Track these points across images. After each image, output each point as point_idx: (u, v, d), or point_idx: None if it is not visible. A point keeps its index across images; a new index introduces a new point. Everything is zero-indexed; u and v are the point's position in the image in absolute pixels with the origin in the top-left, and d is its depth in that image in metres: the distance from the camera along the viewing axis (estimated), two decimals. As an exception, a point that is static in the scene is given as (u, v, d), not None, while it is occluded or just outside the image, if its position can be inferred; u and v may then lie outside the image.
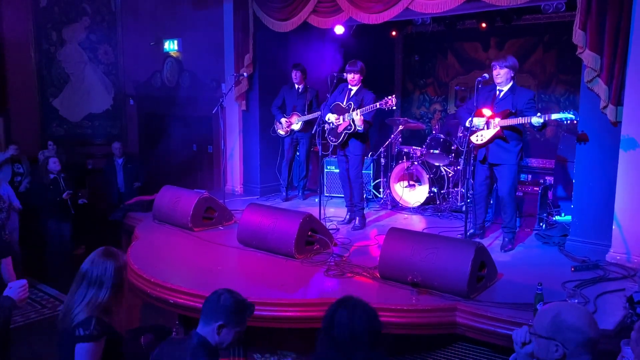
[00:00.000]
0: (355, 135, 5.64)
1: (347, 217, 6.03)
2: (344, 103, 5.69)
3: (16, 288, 2.78)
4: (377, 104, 5.41)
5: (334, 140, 5.79)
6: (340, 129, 5.68)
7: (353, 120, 5.53)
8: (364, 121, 5.50)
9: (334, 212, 6.31)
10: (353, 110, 5.55)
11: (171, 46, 8.82)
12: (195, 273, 4.54)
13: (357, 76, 5.63)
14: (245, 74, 7.14)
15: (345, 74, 5.68)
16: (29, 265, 6.52)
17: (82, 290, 2.48)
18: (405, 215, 6.45)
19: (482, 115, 4.95)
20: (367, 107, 5.47)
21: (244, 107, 7.54)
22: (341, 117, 5.67)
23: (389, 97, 5.37)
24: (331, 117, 5.74)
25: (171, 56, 8.90)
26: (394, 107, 5.45)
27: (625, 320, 2.82)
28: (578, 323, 1.76)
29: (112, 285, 2.49)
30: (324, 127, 5.83)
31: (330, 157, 7.00)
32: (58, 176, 6.93)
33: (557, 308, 1.82)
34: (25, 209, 6.77)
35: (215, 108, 6.53)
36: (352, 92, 5.70)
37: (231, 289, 2.47)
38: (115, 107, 9.35)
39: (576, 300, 3.68)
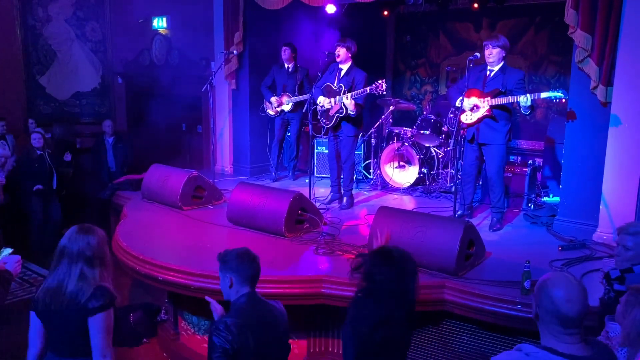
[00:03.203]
0: (347, 117, 5.59)
1: (330, 196, 6.02)
2: (335, 85, 5.63)
3: (12, 263, 2.85)
4: (367, 88, 5.34)
5: (326, 122, 5.74)
6: (332, 112, 5.63)
7: (345, 105, 5.47)
8: (356, 104, 5.46)
9: (324, 192, 6.30)
10: (343, 93, 5.49)
11: (160, 23, 8.66)
12: (184, 250, 4.53)
13: (342, 50, 5.51)
14: (235, 51, 7.05)
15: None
16: (16, 243, 6.45)
17: (64, 267, 2.47)
18: (395, 196, 6.46)
19: (472, 95, 4.95)
20: (357, 91, 5.41)
21: (233, 86, 7.46)
22: (332, 100, 5.60)
23: (379, 82, 5.30)
24: (322, 100, 5.68)
25: (160, 34, 8.75)
26: (384, 92, 5.40)
27: (604, 297, 2.86)
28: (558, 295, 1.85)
29: (100, 256, 2.52)
30: (315, 108, 5.79)
31: (320, 138, 6.97)
32: (44, 152, 6.83)
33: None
34: (12, 187, 6.67)
35: (205, 86, 6.44)
36: (343, 72, 5.62)
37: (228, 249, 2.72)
38: (104, 85, 9.21)
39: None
